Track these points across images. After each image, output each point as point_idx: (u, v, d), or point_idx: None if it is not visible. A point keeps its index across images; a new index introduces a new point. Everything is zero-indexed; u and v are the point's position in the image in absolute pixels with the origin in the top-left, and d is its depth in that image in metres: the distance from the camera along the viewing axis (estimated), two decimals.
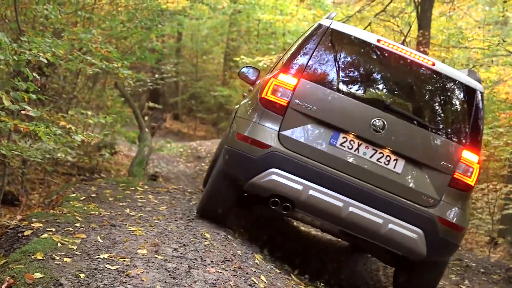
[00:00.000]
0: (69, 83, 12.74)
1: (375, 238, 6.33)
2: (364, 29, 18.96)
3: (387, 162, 6.25)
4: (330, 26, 6.53)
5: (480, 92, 6.55)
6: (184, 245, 5.45)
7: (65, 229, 5.62)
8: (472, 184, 6.36)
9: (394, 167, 6.26)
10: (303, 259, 8.42)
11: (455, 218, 6.30)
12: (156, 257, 4.91)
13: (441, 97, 6.80)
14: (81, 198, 7.57)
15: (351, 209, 6.10)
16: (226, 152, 6.58)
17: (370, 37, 6.60)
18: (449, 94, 6.76)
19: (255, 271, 5.36)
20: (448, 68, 6.69)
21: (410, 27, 12.77)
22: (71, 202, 7.23)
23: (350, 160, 6.21)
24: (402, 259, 6.78)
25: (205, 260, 5.06)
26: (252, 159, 6.22)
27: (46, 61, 6.69)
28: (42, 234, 5.32)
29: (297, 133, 6.24)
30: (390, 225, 6.13)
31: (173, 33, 31.06)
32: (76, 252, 4.86)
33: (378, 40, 6.51)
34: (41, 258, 4.60)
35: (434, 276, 6.86)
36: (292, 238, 9.40)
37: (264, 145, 6.21)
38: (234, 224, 7.53)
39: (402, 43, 7.30)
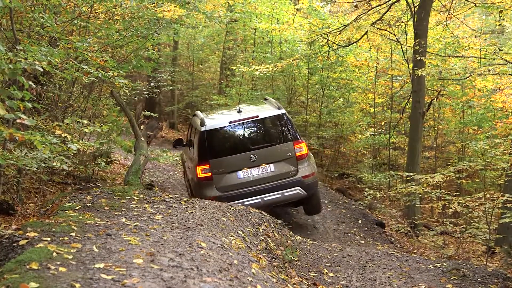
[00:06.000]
0: (64, 91, 12.71)
1: (282, 202, 12.42)
2: (361, 38, 19.04)
3: (266, 170, 12.18)
4: (205, 129, 12.12)
5: (284, 113, 12.62)
6: (180, 254, 5.42)
7: (61, 238, 5.58)
8: (306, 152, 12.49)
9: (270, 170, 12.19)
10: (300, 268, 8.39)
11: (307, 171, 12.39)
12: (152, 267, 4.88)
13: (272, 126, 12.63)
14: (77, 207, 7.53)
15: (265, 199, 12.05)
16: None
17: (224, 121, 12.42)
18: (274, 122, 12.58)
19: (251, 280, 5.33)
20: (265, 112, 12.64)
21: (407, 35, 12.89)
22: (66, 211, 7.20)
23: (251, 179, 12.13)
24: (302, 201, 12.89)
25: (201, 270, 5.02)
26: None
27: (41, 70, 6.65)
28: (37, 244, 5.28)
29: (223, 183, 12.05)
30: (285, 194, 12.14)
31: (169, 42, 31.10)
32: (72, 262, 4.83)
33: (229, 121, 12.36)
34: (36, 267, 4.57)
35: (316, 198, 13.17)
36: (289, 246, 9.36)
37: (213, 197, 11.69)
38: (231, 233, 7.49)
39: (238, 112, 12.68)
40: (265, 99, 14.17)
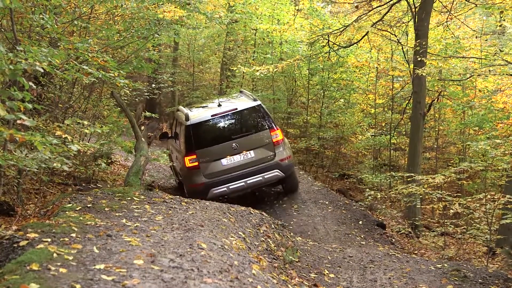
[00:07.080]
0: (65, 92, 12.71)
1: (264, 184, 13.99)
2: (361, 38, 19.02)
3: (247, 156, 13.53)
4: (190, 124, 13.47)
5: (260, 104, 14.06)
6: (180, 255, 5.41)
7: (61, 239, 5.58)
8: (281, 138, 13.95)
9: (251, 156, 13.57)
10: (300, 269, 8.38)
11: (283, 155, 13.88)
12: (152, 268, 4.87)
13: (250, 117, 14.05)
14: (77, 208, 7.52)
15: (248, 182, 13.50)
16: (187, 191, 13.75)
17: (207, 115, 13.72)
18: (251, 113, 14.02)
19: (252, 281, 5.32)
20: (242, 104, 14.00)
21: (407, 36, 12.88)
22: (67, 212, 7.19)
23: (234, 165, 13.46)
24: (281, 181, 14.59)
25: (202, 271, 5.01)
26: (200, 190, 13.26)
27: (42, 71, 6.64)
28: (37, 245, 5.28)
29: (209, 170, 13.43)
30: (265, 176, 13.62)
31: (170, 43, 31.05)
32: (72, 263, 4.82)
33: (211, 115, 13.74)
34: (36, 268, 4.56)
35: (294, 178, 14.87)
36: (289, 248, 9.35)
37: (201, 183, 13.35)
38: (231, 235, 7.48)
39: (218, 106, 14.08)
40: (241, 92, 15.73)
